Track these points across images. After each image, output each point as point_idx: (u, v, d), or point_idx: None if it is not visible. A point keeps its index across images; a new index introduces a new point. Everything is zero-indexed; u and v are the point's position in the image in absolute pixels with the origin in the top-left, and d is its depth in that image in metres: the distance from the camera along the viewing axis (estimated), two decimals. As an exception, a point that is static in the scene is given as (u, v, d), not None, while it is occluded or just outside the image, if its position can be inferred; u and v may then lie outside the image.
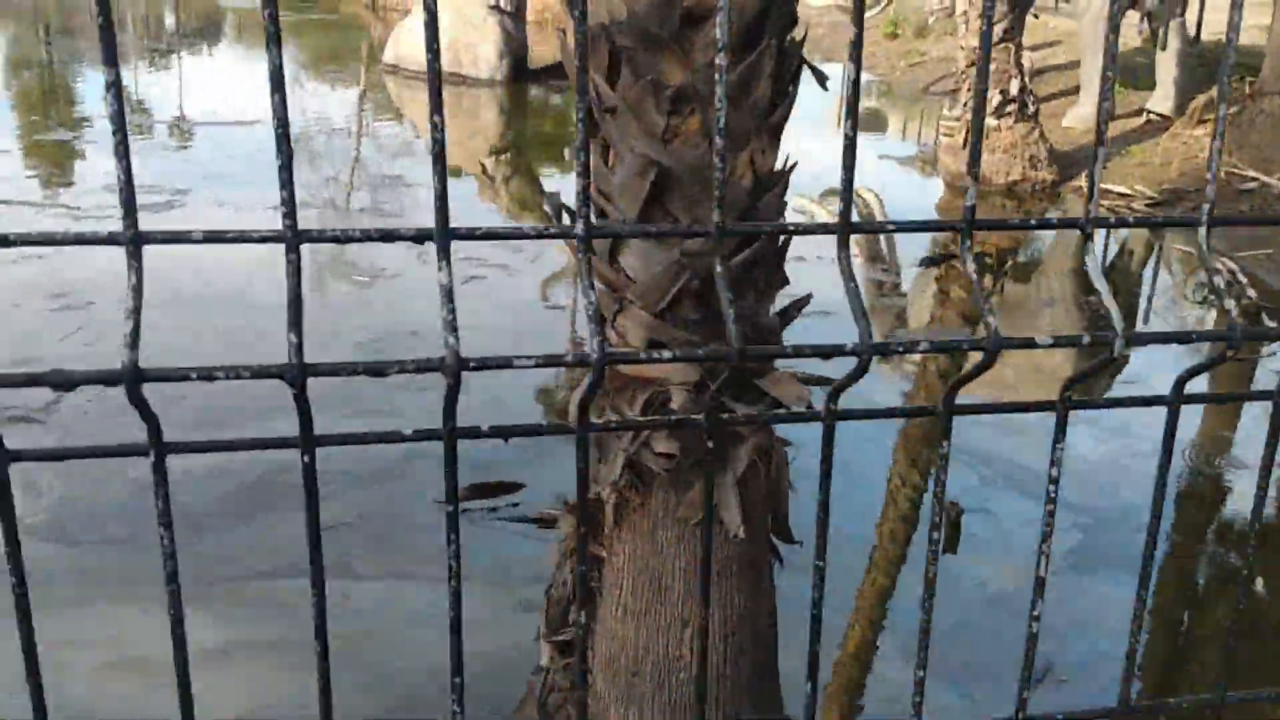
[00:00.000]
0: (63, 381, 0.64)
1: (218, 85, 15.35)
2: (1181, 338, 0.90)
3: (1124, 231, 10.07)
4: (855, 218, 0.78)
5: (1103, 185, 10.55)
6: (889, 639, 4.16)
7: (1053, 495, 0.87)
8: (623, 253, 2.36)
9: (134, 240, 0.53)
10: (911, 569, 4.64)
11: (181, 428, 5.04)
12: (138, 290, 0.60)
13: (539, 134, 13.83)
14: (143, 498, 4.51)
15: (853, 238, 0.71)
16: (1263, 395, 0.96)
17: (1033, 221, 0.81)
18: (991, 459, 5.35)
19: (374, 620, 3.97)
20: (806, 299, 2.52)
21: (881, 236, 9.51)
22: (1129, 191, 10.36)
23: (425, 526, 4.60)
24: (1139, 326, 7.94)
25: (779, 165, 2.38)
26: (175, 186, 8.96)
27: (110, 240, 0.61)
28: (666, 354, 0.74)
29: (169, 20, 25.75)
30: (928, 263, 8.75)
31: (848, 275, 0.69)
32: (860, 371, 0.74)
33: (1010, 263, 9.50)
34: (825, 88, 2.31)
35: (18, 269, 6.88)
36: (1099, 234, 8.59)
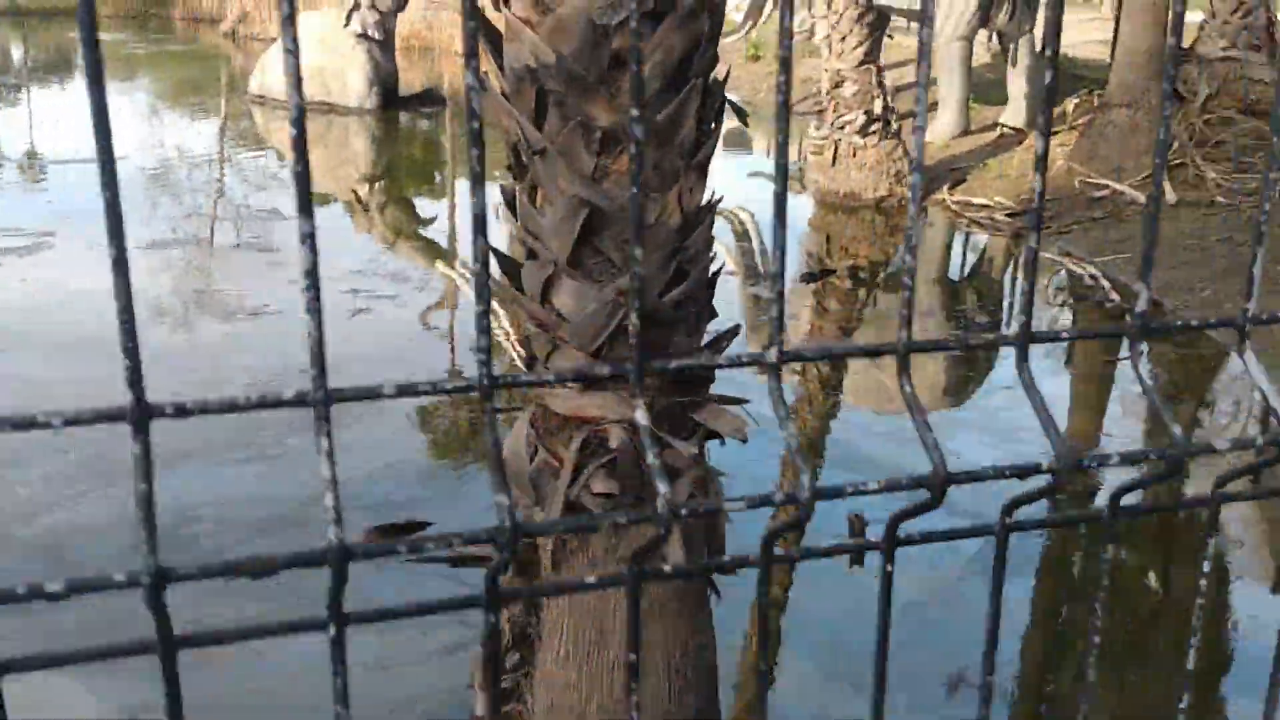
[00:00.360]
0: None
1: (72, 120, 14.70)
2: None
3: (984, 237, 10.51)
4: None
5: (965, 197, 11.00)
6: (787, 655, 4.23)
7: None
8: (555, 292, 2.36)
9: (324, 400, 0.49)
10: (811, 585, 4.73)
11: (71, 480, 4.80)
12: (330, 456, 0.54)
13: (410, 161, 13.67)
14: (35, 560, 4.27)
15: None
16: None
17: (1194, 323, 0.76)
18: (892, 470, 5.50)
19: (284, 676, 3.84)
20: (735, 330, 2.56)
21: (757, 253, 9.70)
22: (989, 203, 10.81)
23: (328, 571, 4.47)
24: (1002, 327, 8.27)
25: (704, 200, 2.41)
26: (39, 229, 8.53)
27: (299, 402, 0.54)
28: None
29: (16, 53, 24.55)
30: (807, 279, 8.96)
31: (915, 405, 0.65)
32: (934, 504, 0.67)
33: (882, 275, 9.80)
34: (746, 124, 2.36)
35: None
36: (957, 239, 8.90)
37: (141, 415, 0.42)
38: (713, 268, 2.43)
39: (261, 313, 7.12)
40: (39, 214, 9.02)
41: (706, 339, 2.60)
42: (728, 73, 2.26)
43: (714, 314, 2.52)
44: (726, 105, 2.35)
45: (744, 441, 2.43)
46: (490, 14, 2.40)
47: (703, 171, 2.35)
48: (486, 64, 2.35)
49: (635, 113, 0.55)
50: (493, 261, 2.36)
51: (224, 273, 8.04)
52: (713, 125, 2.35)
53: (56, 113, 15.74)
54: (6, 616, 3.94)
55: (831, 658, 4.20)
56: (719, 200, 2.42)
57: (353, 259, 8.60)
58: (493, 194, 9.96)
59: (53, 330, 6.52)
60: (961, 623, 4.41)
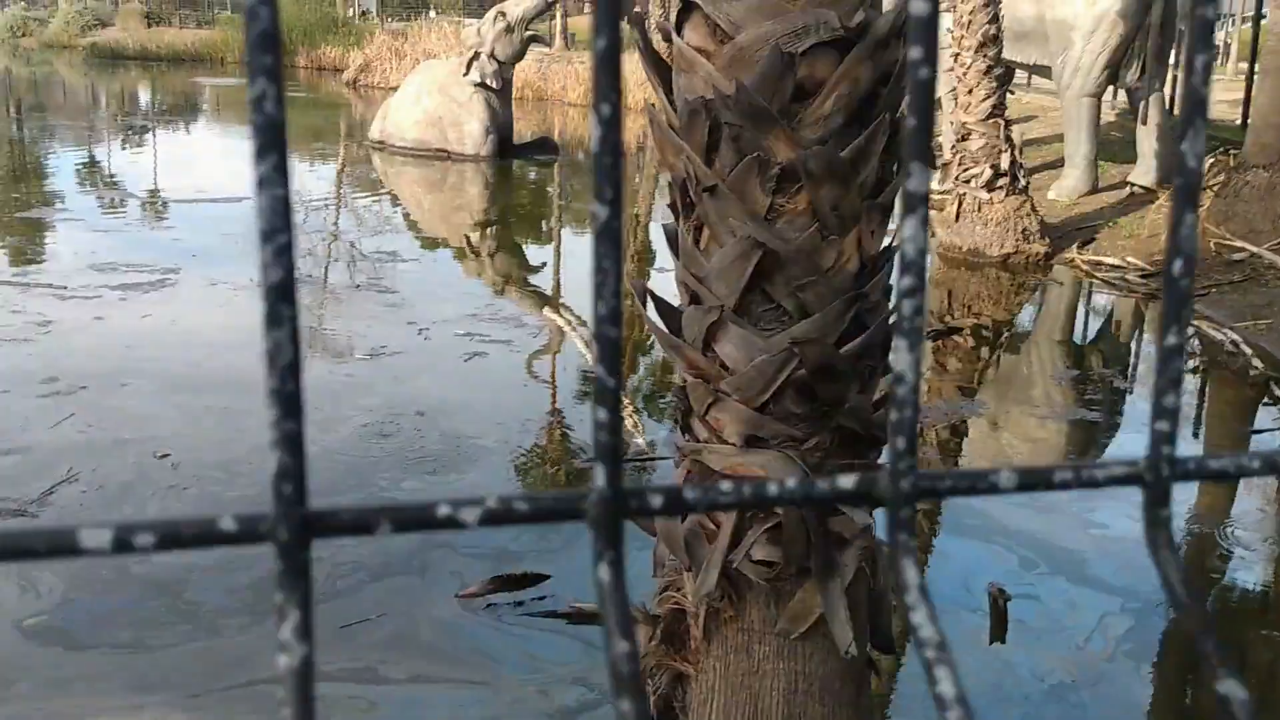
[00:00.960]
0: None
1: (194, 161, 15.20)
2: None
3: (1110, 298, 10.07)
4: None
5: (1096, 257, 10.58)
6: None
7: None
8: (719, 340, 2.19)
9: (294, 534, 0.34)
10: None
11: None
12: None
13: (521, 208, 13.75)
14: (150, 598, 4.23)
15: None
16: None
17: None
18: (1028, 540, 5.17)
19: (403, 731, 3.70)
20: (910, 389, 2.35)
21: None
22: (1121, 264, 10.37)
23: (446, 623, 4.33)
24: (1129, 388, 7.86)
25: (885, 243, 2.22)
26: (164, 266, 8.73)
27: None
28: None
29: (144, 96, 25.65)
30: (933, 336, 8.65)
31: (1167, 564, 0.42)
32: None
33: (1005, 335, 9.43)
34: (936, 167, 2.17)
35: (4, 354, 6.61)
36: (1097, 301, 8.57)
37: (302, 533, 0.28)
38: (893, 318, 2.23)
39: (379, 354, 7.11)
40: (165, 251, 9.25)
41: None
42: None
43: (888, 368, 2.31)
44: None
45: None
46: (658, 44, 2.27)
47: (885, 213, 2.16)
48: (655, 97, 2.21)
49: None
50: (650, 306, 2.20)
51: (343, 313, 8.09)
52: (897, 164, 2.17)
53: (180, 154, 16.31)
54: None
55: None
56: (899, 245, 2.22)
57: (467, 303, 8.60)
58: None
59: (168, 365, 6.59)
60: (1109, 706, 4.06)
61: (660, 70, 2.20)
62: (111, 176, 14.12)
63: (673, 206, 2.29)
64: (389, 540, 4.78)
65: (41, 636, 3.96)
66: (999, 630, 4.49)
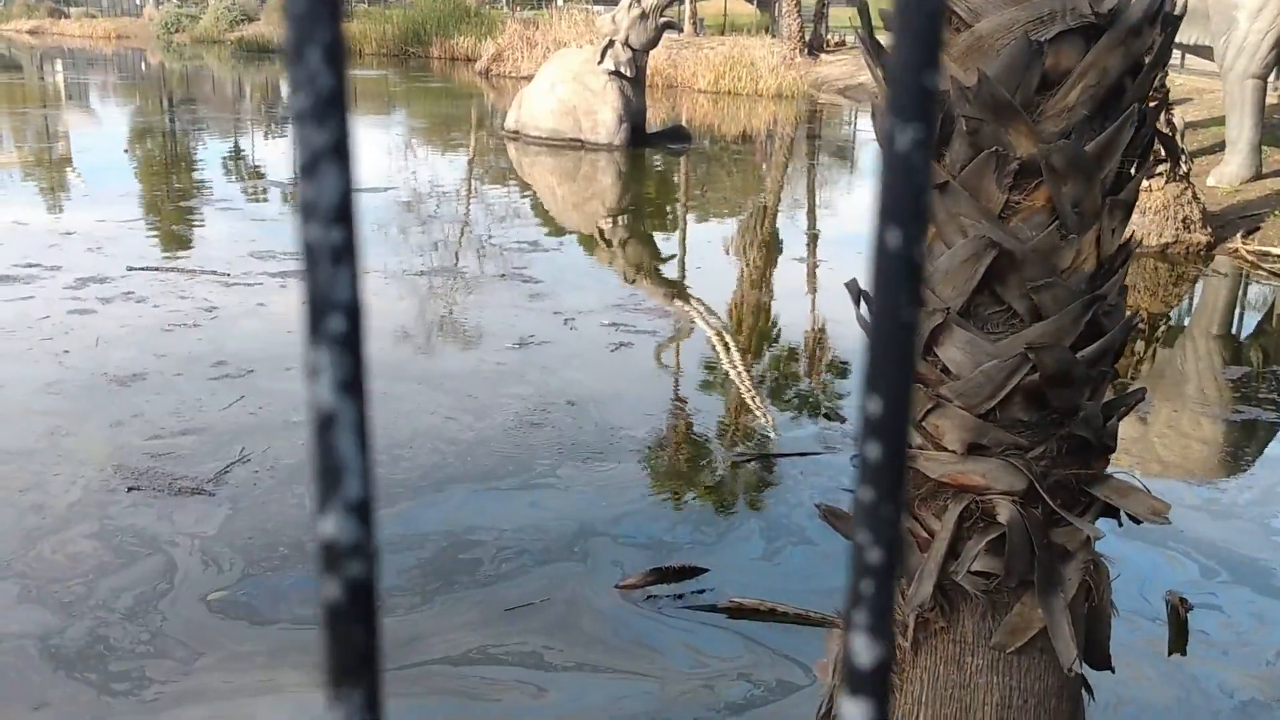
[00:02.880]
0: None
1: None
2: None
3: (1272, 294, 9.52)
4: None
5: (1262, 247, 10.03)
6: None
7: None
8: (941, 343, 2.11)
9: None
10: (1130, 668, 4.23)
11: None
12: None
13: (652, 198, 13.74)
14: (323, 580, 4.34)
15: None
16: None
17: None
18: (1207, 547, 4.92)
19: (574, 717, 3.71)
20: (1141, 394, 2.23)
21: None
22: (1291, 254, 9.82)
23: (607, 612, 4.34)
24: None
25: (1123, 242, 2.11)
26: (317, 252, 8.99)
27: None
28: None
29: (286, 89, 26.44)
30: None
31: None
32: None
33: (1162, 327, 9.02)
34: (1179, 162, 2.04)
35: (175, 338, 6.89)
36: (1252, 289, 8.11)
37: None
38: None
39: (528, 343, 7.18)
40: (319, 239, 9.49)
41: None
42: (1165, 97, 1.96)
43: (1118, 374, 2.20)
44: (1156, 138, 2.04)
45: (1165, 524, 2.10)
46: (882, 35, 2.19)
47: (1126, 211, 2.05)
48: (878, 87, 2.14)
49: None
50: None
51: (489, 303, 8.21)
52: (1142, 160, 2.05)
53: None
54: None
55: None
56: (1139, 244, 2.10)
57: (610, 293, 8.63)
58: (707, 231, 9.79)
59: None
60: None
61: (883, 59, 2.13)
62: (258, 166, 14.63)
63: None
64: (551, 524, 4.84)
65: (224, 611, 4.10)
66: (1179, 641, 4.29)
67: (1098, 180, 1.98)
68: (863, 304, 2.26)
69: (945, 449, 2.15)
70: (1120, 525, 2.23)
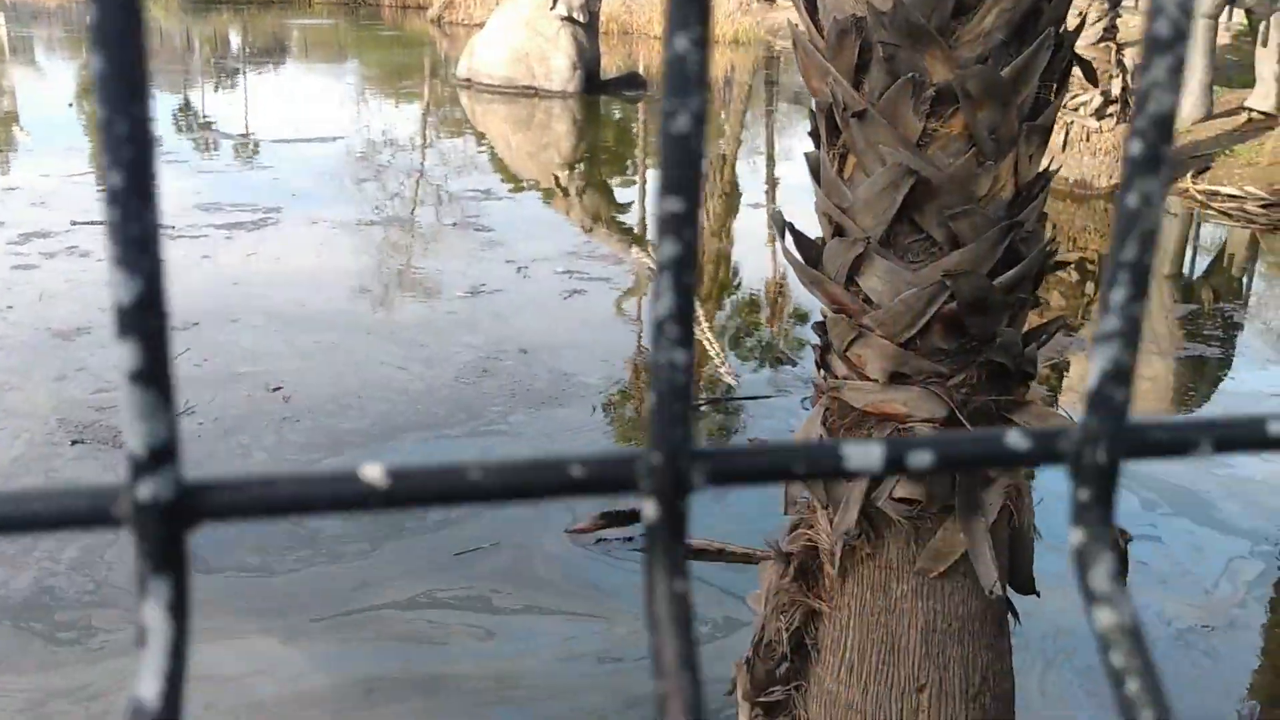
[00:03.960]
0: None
1: (288, 102, 15.36)
2: None
3: (1223, 234, 9.64)
4: None
5: (1212, 186, 10.14)
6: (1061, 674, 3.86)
7: None
8: (863, 273, 2.11)
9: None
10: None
11: (302, 448, 4.88)
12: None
13: (609, 146, 13.64)
14: (272, 525, 4.34)
15: None
16: None
17: None
18: (1148, 480, 5.02)
19: (521, 658, 3.75)
20: (1060, 321, 2.25)
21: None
22: (1239, 193, 9.93)
23: (558, 556, 4.37)
24: (1244, 331, 7.55)
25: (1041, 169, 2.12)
26: (265, 205, 8.87)
27: None
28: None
29: (235, 40, 25.96)
30: (1038, 271, 8.40)
31: None
32: None
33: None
34: (1097, 85, 2.05)
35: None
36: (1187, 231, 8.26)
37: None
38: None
39: (480, 291, 7.14)
40: (265, 192, 9.38)
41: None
42: (1081, 23, 1.96)
43: (1038, 301, 2.22)
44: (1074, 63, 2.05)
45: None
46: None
47: (1044, 137, 2.06)
48: (800, 19, 2.12)
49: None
50: (788, 241, 2.13)
51: (440, 251, 8.14)
52: (1059, 86, 2.06)
53: (271, 94, 16.48)
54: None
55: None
56: (1057, 169, 2.11)
57: (564, 241, 8.59)
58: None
59: (275, 302, 6.71)
60: (1244, 652, 3.94)
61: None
62: (207, 119, 14.36)
63: (814, 134, 2.20)
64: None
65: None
66: (1120, 570, 4.38)
67: (1014, 106, 1.98)
68: (788, 235, 2.26)
69: (868, 379, 2.16)
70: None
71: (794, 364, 6.35)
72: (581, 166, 12.52)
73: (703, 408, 5.77)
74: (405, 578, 4.10)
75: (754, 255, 8.97)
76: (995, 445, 0.24)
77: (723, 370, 6.21)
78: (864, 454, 0.23)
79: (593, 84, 15.02)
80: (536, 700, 3.55)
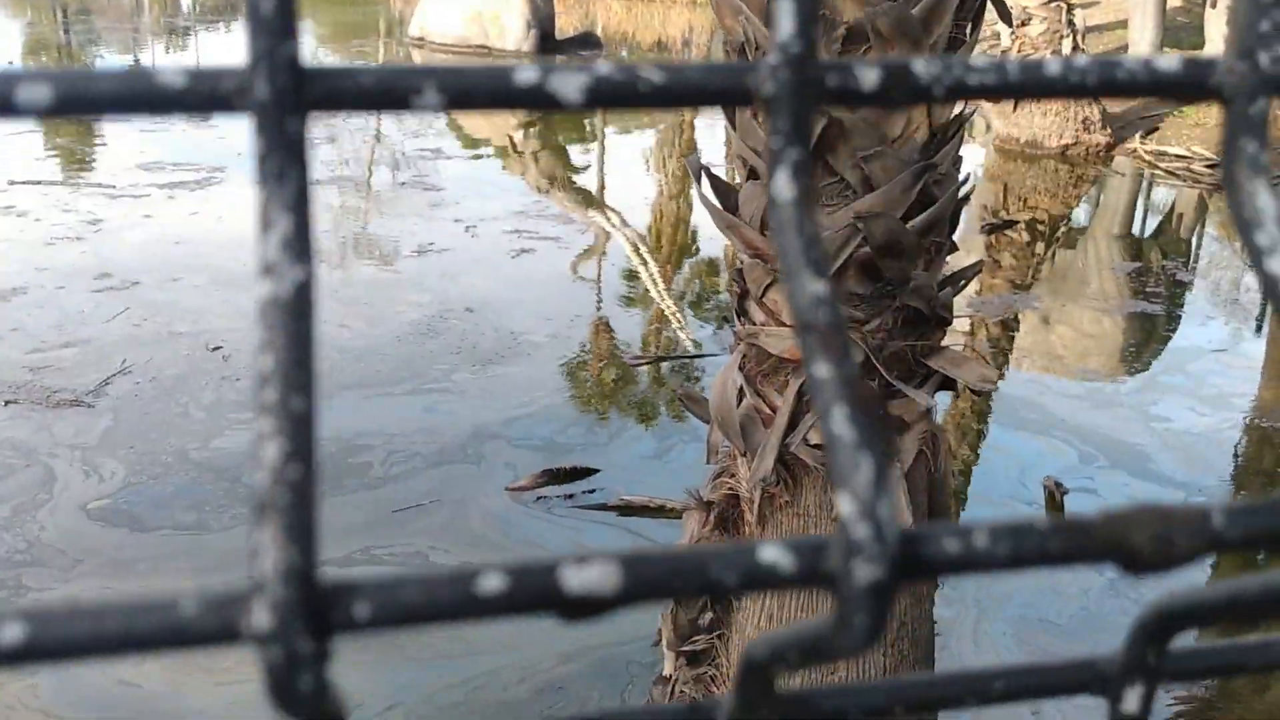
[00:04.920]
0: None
1: (237, 62, 15.07)
2: None
3: (1171, 195, 9.73)
4: None
5: (1160, 147, 10.21)
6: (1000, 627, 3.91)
7: None
8: (778, 218, 2.09)
9: None
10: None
11: (240, 405, 4.82)
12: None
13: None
14: (208, 482, 4.29)
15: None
16: None
17: None
18: (1088, 434, 5.07)
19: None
20: (978, 266, 2.25)
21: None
22: (1187, 153, 10.01)
23: (497, 514, 4.36)
24: (1191, 290, 7.64)
25: (956, 112, 2.10)
26: (209, 165, 8.71)
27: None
28: None
29: (184, 2, 25.41)
30: (989, 229, 8.45)
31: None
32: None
33: (1062, 229, 9.18)
34: (1011, 24, 2.03)
35: (58, 251, 6.66)
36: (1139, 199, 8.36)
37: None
38: (964, 190, 2.12)
39: (427, 251, 7.07)
40: (210, 151, 9.21)
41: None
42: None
43: (954, 246, 2.21)
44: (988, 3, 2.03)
45: (993, 390, 2.13)
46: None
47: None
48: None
49: None
50: (705, 185, 2.11)
51: (388, 211, 8.05)
52: (972, 26, 2.04)
53: (221, 54, 16.18)
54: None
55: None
56: (972, 112, 2.10)
57: (514, 200, 8.51)
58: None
59: (217, 261, 6.61)
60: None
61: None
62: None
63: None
64: (444, 428, 4.81)
65: (106, 519, 4.04)
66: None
67: (926, 46, 1.96)
68: (704, 180, 2.24)
69: (785, 324, 2.15)
70: (956, 396, 2.27)
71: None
72: (536, 129, 12.40)
73: (644, 365, 5.76)
74: (342, 534, 4.07)
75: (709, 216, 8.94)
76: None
77: (681, 334, 6.20)
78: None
79: (547, 43, 14.86)
80: (476, 654, 3.55)
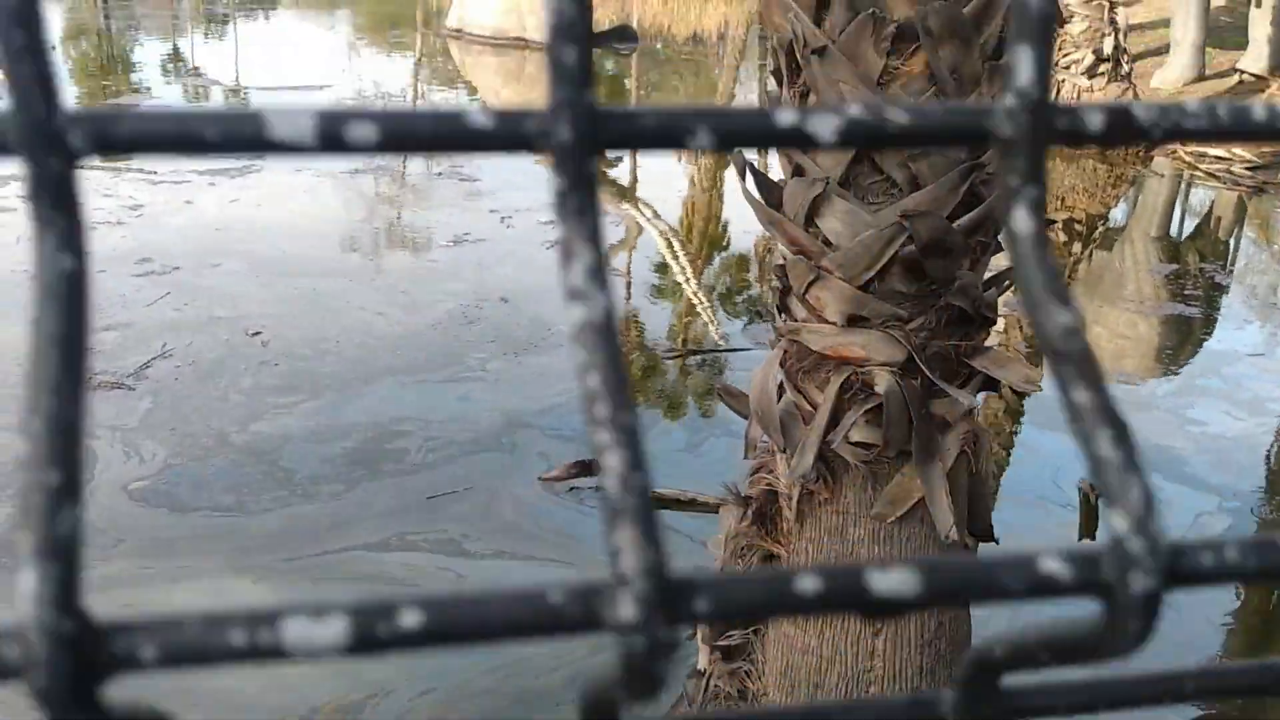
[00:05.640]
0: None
1: (276, 50, 15.19)
2: None
3: (1210, 197, 9.62)
4: None
5: (1200, 148, 10.10)
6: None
7: None
8: (822, 214, 2.10)
9: None
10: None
11: (279, 390, 4.87)
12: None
13: (602, 100, 13.49)
14: (247, 465, 4.35)
15: None
16: None
17: None
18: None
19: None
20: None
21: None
22: (1227, 155, 9.90)
23: (530, 502, 4.39)
24: (1228, 293, 7.56)
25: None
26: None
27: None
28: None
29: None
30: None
31: None
32: None
33: (1100, 229, 9.10)
34: (1122, 64, 2.02)
35: (100, 236, 6.74)
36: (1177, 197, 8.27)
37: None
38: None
39: (462, 241, 7.11)
40: (252, 137, 9.28)
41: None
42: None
43: (999, 247, 2.21)
44: None
45: (1037, 392, 2.13)
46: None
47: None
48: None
49: None
50: (749, 180, 2.11)
51: (424, 202, 8.09)
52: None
53: (261, 42, 16.30)
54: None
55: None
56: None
57: (548, 192, 8.54)
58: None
59: (256, 248, 6.67)
60: (1205, 605, 3.98)
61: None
62: (196, 67, 14.19)
63: (776, 73, 2.18)
64: (479, 416, 4.84)
65: (146, 500, 4.10)
66: (1090, 526, 4.42)
67: (976, 45, 1.96)
68: (749, 176, 2.24)
69: (827, 321, 2.16)
70: (1000, 398, 2.27)
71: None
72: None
73: (678, 358, 5.77)
74: (378, 519, 4.12)
75: (744, 212, 8.93)
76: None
77: (710, 328, 6.21)
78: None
79: (584, 35, 14.84)
80: (504, 644, 3.58)
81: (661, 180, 9.69)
